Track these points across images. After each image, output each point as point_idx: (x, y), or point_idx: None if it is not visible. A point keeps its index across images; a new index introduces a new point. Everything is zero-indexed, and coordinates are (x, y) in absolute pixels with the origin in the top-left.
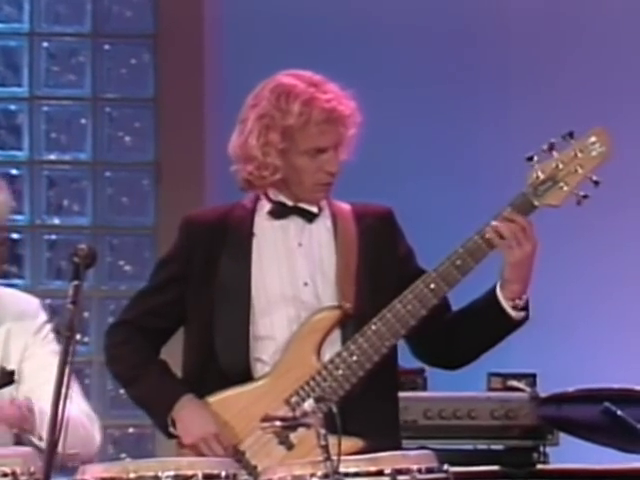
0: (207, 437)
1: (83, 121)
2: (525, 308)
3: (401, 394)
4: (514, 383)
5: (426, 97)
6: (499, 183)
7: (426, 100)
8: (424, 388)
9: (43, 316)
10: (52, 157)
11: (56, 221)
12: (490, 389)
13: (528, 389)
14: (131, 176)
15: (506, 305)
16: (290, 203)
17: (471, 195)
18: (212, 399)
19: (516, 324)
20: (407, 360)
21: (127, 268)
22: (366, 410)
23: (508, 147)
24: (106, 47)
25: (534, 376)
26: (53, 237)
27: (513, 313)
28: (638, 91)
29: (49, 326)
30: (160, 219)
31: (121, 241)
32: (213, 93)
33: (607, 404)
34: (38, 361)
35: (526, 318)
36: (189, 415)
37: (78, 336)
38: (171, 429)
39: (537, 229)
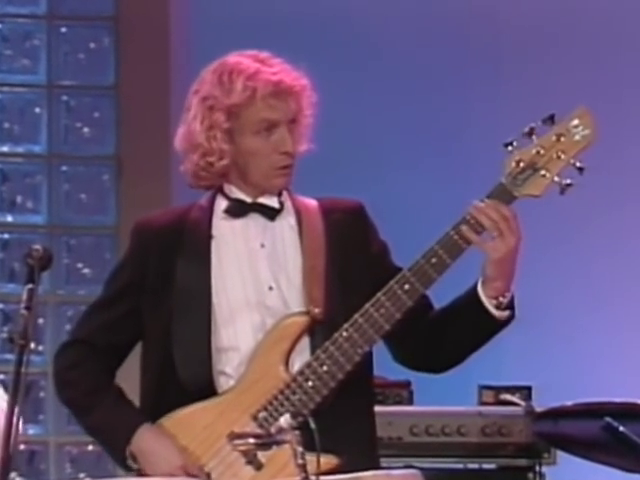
0: (175, 473)
1: (37, 110)
2: (510, 307)
3: (385, 409)
4: (507, 397)
5: (412, 84)
6: (490, 176)
7: (411, 87)
8: (410, 402)
9: None
10: (4, 149)
11: (9, 219)
12: (481, 403)
13: (522, 403)
14: (90, 171)
15: (488, 304)
16: (249, 200)
17: (460, 189)
18: (172, 417)
19: (501, 324)
20: (392, 372)
21: (86, 271)
22: (339, 424)
23: (500, 138)
24: (63, 30)
25: (529, 389)
26: (5, 236)
27: (496, 312)
28: (636, 79)
29: None
30: (122, 218)
31: (79, 241)
32: (180, 80)
33: (608, 419)
34: None
35: (512, 317)
36: (151, 448)
37: (32, 345)
38: (130, 462)
39: (532, 229)
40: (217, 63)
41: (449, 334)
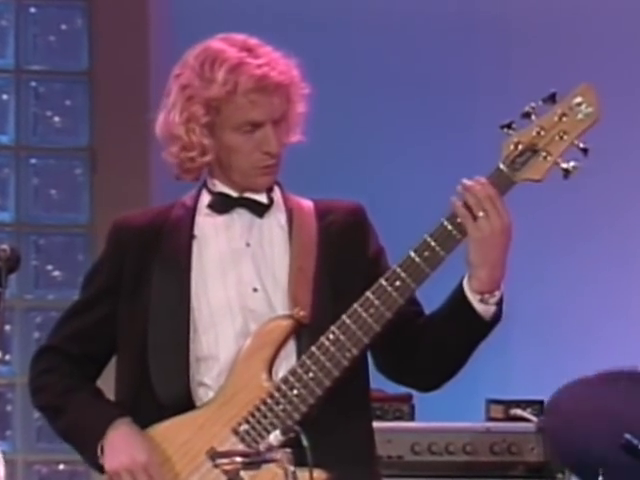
0: (133, 468)
1: (5, 97)
2: (497, 305)
3: (385, 425)
4: (518, 412)
5: (412, 73)
6: None
7: (412, 77)
8: (411, 418)
9: None
10: None
11: None
12: (489, 419)
13: (534, 419)
14: (61, 164)
15: (470, 296)
16: (235, 194)
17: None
18: (148, 433)
19: (486, 323)
20: (391, 384)
21: (56, 274)
22: (335, 440)
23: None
24: (32, 10)
25: (541, 403)
26: None
27: (479, 306)
28: None
29: None
30: (96, 215)
31: (49, 241)
32: (160, 65)
33: (628, 437)
34: None
35: (498, 316)
36: (119, 439)
37: None
38: (101, 460)
39: (543, 235)
40: (201, 47)
41: (433, 339)
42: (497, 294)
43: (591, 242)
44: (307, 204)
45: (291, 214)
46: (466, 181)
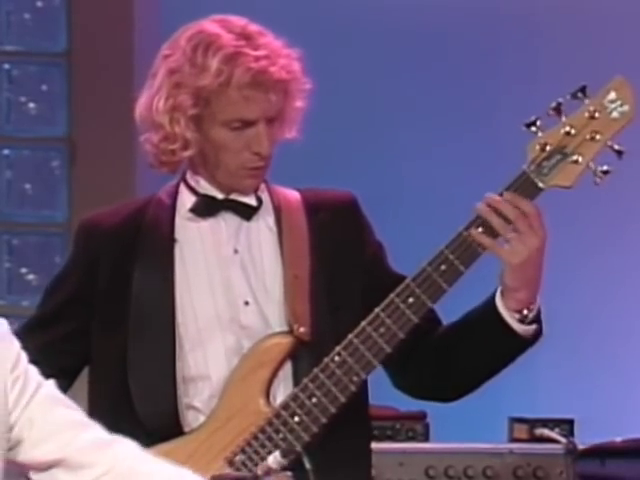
0: None
1: None
2: (537, 320)
3: (396, 446)
4: (544, 432)
5: (429, 57)
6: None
7: (429, 61)
8: (426, 438)
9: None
10: None
11: None
12: (513, 439)
13: (563, 439)
14: (37, 155)
15: (510, 318)
16: (220, 196)
17: (485, 182)
18: None
19: (526, 342)
20: (403, 401)
21: (31, 277)
22: (334, 465)
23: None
24: None
25: (570, 422)
26: None
27: (520, 328)
28: None
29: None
30: (75, 213)
31: (23, 241)
32: (145, 47)
33: None
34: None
35: (539, 333)
36: None
37: None
38: None
39: (568, 236)
40: (195, 28)
41: (462, 355)
42: (533, 307)
43: (620, 244)
44: (294, 198)
45: (279, 213)
46: (491, 197)
